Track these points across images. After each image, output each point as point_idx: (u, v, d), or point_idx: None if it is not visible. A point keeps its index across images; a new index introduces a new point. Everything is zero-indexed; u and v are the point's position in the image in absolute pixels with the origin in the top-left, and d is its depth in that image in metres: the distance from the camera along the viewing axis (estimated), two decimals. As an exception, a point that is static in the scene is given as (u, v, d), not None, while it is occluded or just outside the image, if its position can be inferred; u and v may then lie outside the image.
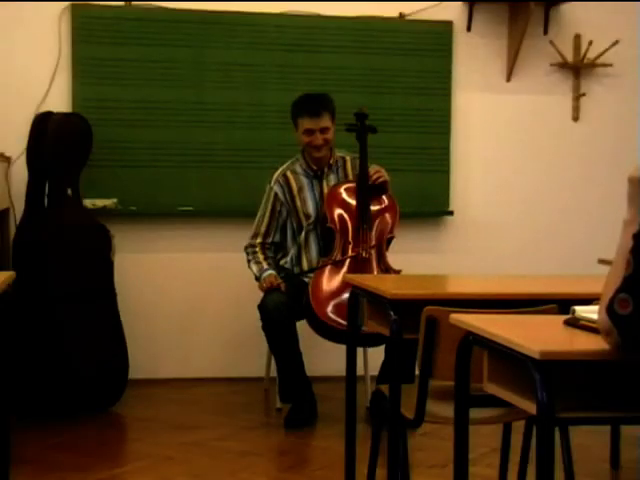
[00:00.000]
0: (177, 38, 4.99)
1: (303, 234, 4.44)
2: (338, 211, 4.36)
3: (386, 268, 4.33)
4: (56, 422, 4.20)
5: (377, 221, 4.38)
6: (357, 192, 4.35)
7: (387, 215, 4.42)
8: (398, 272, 4.31)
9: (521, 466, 3.17)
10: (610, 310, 1.74)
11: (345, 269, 4.24)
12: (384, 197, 4.42)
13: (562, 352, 1.85)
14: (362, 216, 4.32)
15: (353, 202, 4.35)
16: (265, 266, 4.39)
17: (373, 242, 4.33)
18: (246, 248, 4.48)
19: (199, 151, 5.03)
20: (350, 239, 4.31)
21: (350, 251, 4.29)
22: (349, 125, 4.44)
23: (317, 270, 4.28)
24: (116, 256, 4.61)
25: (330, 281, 4.23)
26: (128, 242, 4.92)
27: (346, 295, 3.90)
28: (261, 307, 4.25)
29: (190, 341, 5.13)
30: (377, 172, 4.36)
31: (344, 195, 4.38)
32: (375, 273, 4.27)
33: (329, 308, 4.16)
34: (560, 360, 1.82)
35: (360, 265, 4.28)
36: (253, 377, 4.95)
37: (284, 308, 4.20)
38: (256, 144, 5.06)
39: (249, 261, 4.46)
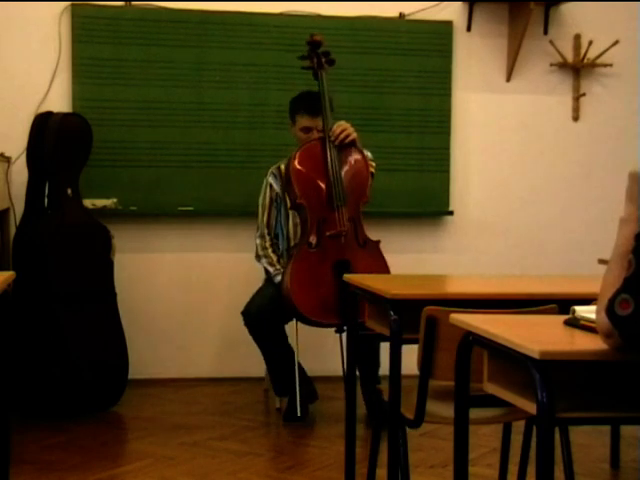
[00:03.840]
0: (177, 38, 4.99)
1: (291, 226, 4.37)
2: (307, 185, 4.08)
3: (364, 241, 4.16)
4: (56, 422, 4.20)
5: (350, 191, 4.10)
6: (324, 159, 4.08)
7: (360, 180, 4.16)
8: (377, 242, 4.20)
9: (521, 466, 3.17)
10: (610, 312, 1.73)
11: (322, 252, 4.06)
12: (354, 156, 4.13)
13: (562, 352, 1.85)
14: (334, 193, 4.04)
15: (321, 171, 4.06)
16: (278, 267, 4.28)
17: (347, 216, 4.07)
18: (256, 247, 4.37)
19: (199, 151, 5.03)
20: (324, 219, 4.08)
21: (322, 233, 4.06)
22: (303, 59, 4.17)
23: (292, 262, 4.07)
24: (116, 256, 4.61)
25: (309, 271, 4.03)
26: (128, 242, 4.92)
27: (326, 283, 3.86)
28: (244, 313, 4.26)
29: (190, 341, 5.14)
30: (343, 130, 4.10)
31: (311, 162, 4.09)
32: (354, 249, 4.11)
33: (314, 304, 4.03)
34: (560, 360, 1.82)
35: (337, 243, 4.08)
36: (253, 377, 4.96)
37: (266, 312, 4.17)
38: (256, 144, 5.06)
39: (259, 256, 4.33)
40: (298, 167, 4.09)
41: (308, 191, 4.09)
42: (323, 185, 4.11)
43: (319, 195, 4.10)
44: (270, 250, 4.37)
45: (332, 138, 4.13)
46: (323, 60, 4.22)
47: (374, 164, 4.30)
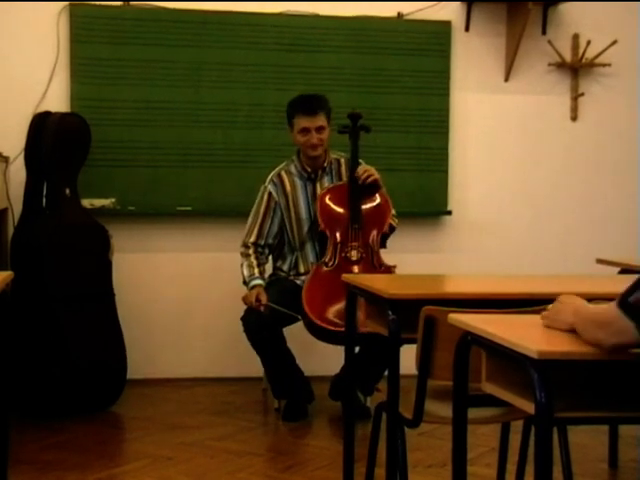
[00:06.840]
0: (176, 38, 4.98)
1: (297, 240, 4.43)
2: (330, 214, 4.34)
3: (380, 264, 4.32)
4: (55, 422, 4.19)
5: (368, 220, 4.36)
6: (347, 193, 4.34)
7: (378, 213, 4.39)
8: (392, 267, 4.32)
9: (519, 466, 3.17)
10: (624, 303, 1.72)
11: (338, 271, 4.18)
12: (376, 195, 4.40)
13: (560, 352, 1.85)
14: (352, 218, 4.31)
15: (344, 204, 4.34)
16: (256, 273, 4.36)
17: (362, 241, 4.31)
18: (241, 253, 4.45)
19: (198, 151, 5.03)
20: (341, 241, 4.31)
21: (338, 254, 4.29)
22: (342, 127, 4.45)
23: (308, 280, 4.27)
24: (114, 256, 4.61)
25: (322, 284, 4.21)
26: (126, 242, 4.92)
27: (338, 297, 3.91)
28: (243, 320, 4.27)
29: (189, 341, 5.14)
30: (366, 172, 4.34)
31: (335, 198, 4.36)
32: (368, 271, 4.24)
33: (322, 311, 4.15)
34: (558, 360, 1.82)
35: (353, 266, 4.28)
36: (252, 377, 4.95)
37: (265, 319, 4.19)
38: (255, 144, 5.06)
39: (242, 265, 4.42)
40: (324, 201, 4.37)
41: (330, 222, 4.35)
42: (344, 216, 4.35)
43: (340, 225, 4.34)
44: (253, 257, 4.40)
45: (357, 177, 4.35)
46: (359, 127, 4.46)
47: (397, 220, 4.50)
